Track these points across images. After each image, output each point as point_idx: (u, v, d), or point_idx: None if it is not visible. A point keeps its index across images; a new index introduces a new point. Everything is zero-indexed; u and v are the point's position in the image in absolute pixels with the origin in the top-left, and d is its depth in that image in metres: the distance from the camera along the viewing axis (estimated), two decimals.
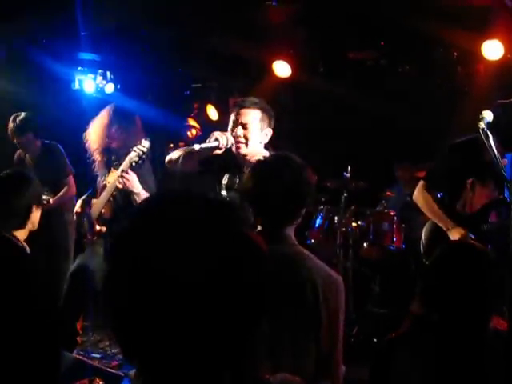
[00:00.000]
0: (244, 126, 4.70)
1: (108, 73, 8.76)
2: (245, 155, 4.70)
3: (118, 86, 8.80)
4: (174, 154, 4.82)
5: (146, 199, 1.44)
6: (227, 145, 4.66)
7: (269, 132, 4.76)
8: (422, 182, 5.28)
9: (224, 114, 9.40)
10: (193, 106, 9.98)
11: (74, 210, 6.18)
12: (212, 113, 9.65)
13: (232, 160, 4.75)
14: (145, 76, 9.01)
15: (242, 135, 4.68)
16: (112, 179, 5.90)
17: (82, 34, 7.19)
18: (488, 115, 4.55)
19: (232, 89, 9.37)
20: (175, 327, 1.23)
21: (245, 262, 1.27)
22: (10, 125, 6.97)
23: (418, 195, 5.27)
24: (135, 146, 5.81)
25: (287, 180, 3.13)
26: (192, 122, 9.86)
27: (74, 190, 7.01)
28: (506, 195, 4.74)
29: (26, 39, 7.52)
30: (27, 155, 7.17)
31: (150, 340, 1.25)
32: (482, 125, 4.53)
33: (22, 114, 6.99)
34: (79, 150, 6.38)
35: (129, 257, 1.26)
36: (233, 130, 4.71)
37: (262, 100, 4.85)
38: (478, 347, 2.67)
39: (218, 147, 4.64)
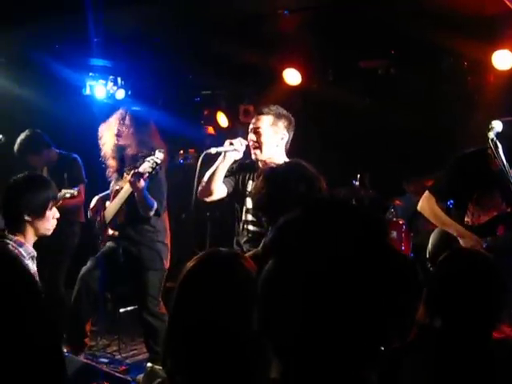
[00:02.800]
0: (256, 132, 4.83)
1: (119, 79, 8.79)
2: (262, 161, 4.79)
3: (129, 92, 8.83)
4: (201, 186, 4.82)
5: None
6: (243, 148, 4.74)
7: (284, 136, 4.84)
8: (427, 193, 5.25)
9: (234, 121, 9.45)
10: (203, 112, 10.00)
11: (91, 207, 6.21)
12: (222, 120, 9.67)
13: (255, 167, 4.83)
14: (155, 82, 9.04)
15: (256, 139, 4.80)
16: (125, 184, 5.93)
17: (94, 40, 7.22)
18: (497, 125, 4.56)
19: (242, 96, 9.39)
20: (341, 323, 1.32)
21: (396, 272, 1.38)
22: (19, 151, 6.93)
23: (424, 205, 5.25)
24: (149, 149, 5.85)
25: (301, 189, 3.18)
26: (211, 130, 9.88)
27: (82, 198, 6.98)
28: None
29: (38, 45, 7.55)
30: (44, 169, 7.12)
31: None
32: (491, 135, 4.54)
33: (26, 135, 6.95)
34: (90, 156, 6.42)
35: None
36: (249, 138, 4.86)
37: (278, 107, 4.94)
38: (482, 355, 2.68)
39: (235, 150, 4.74)
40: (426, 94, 7.98)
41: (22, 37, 7.23)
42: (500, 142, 4.52)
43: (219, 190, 4.86)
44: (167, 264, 6.13)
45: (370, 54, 7.80)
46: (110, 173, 6.16)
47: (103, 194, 6.33)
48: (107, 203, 6.16)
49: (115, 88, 8.75)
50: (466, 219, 5.08)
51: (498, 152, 4.51)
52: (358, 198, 7.15)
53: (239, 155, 4.80)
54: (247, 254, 3.17)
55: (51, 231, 4.20)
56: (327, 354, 1.33)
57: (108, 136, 6.04)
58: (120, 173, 6.10)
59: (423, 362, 2.74)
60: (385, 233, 1.43)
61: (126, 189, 5.83)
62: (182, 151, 9.29)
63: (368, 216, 1.43)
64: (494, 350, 2.72)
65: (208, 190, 4.75)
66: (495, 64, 6.82)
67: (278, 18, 6.97)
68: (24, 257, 3.95)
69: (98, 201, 6.21)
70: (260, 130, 4.82)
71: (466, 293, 2.70)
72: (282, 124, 4.86)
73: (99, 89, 8.68)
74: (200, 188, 4.79)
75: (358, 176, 7.80)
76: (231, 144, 4.76)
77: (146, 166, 5.59)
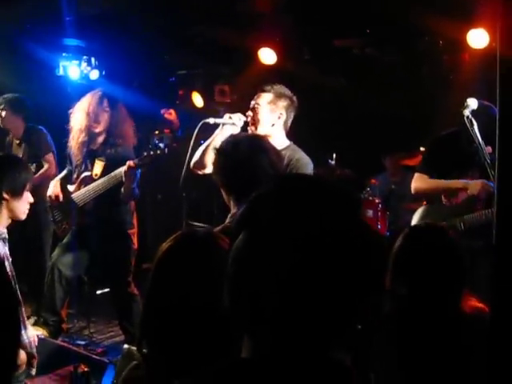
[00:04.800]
0: (253, 108, 4.81)
1: (93, 59, 8.69)
2: None
3: (103, 73, 8.74)
4: (196, 155, 4.72)
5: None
6: (241, 124, 4.71)
7: (282, 115, 4.80)
8: (416, 174, 5.27)
9: (209, 101, 9.40)
10: (178, 92, 9.94)
11: (52, 192, 6.15)
12: (197, 100, 9.61)
13: None
14: (130, 62, 8.95)
15: (253, 115, 4.77)
16: (99, 171, 5.91)
17: (67, 19, 7.14)
18: (472, 103, 4.59)
19: (218, 76, 9.35)
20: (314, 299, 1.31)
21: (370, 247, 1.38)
22: (3, 98, 7.00)
23: (417, 184, 5.24)
24: (118, 136, 5.85)
25: (255, 161, 3.22)
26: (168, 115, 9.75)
27: (54, 168, 6.96)
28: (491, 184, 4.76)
29: (10, 25, 7.45)
30: (14, 138, 7.22)
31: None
32: (466, 112, 4.57)
33: (17, 95, 7.03)
34: (63, 136, 6.36)
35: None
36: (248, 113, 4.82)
37: (283, 86, 4.90)
38: (446, 325, 2.74)
39: (233, 124, 4.68)
40: (402, 73, 7.99)
41: None
42: (475, 119, 4.54)
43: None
44: (136, 244, 6.15)
45: (345, 33, 7.78)
46: (75, 157, 6.10)
47: (59, 176, 6.29)
48: (69, 187, 6.12)
49: (89, 68, 8.66)
50: (443, 199, 5.12)
51: (473, 129, 4.54)
52: (333, 176, 7.16)
53: (237, 130, 4.74)
54: (216, 229, 3.17)
55: (25, 215, 4.21)
56: (300, 331, 1.31)
57: (81, 118, 5.99)
58: (89, 158, 6.05)
59: (389, 333, 2.79)
60: (358, 208, 1.42)
61: (110, 177, 5.79)
62: (157, 132, 9.23)
63: (341, 191, 1.42)
64: (467, 324, 2.77)
65: (202, 163, 4.62)
66: (470, 43, 6.82)
67: None
68: None
69: (58, 186, 6.17)
70: (257, 106, 4.78)
71: (427, 263, 2.83)
72: (281, 103, 4.81)
73: (73, 69, 8.58)
74: (194, 159, 4.68)
75: (334, 155, 7.81)
76: (230, 118, 4.71)
77: (146, 161, 5.62)
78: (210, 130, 4.79)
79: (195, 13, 7.37)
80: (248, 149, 3.32)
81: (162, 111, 9.45)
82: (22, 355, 3.87)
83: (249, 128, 4.78)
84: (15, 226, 4.28)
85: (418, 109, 7.81)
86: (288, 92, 4.89)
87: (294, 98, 4.89)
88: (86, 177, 6.01)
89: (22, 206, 4.15)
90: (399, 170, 8.30)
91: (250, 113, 4.80)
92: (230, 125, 4.68)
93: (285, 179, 1.55)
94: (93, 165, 6.01)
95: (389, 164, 8.50)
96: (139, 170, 5.73)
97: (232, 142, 3.42)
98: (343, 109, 8.45)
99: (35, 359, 3.97)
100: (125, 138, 6.05)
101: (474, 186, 4.86)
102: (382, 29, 7.51)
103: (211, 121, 4.70)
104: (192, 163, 4.69)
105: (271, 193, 1.42)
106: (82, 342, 6.37)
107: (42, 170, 6.90)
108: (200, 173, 4.69)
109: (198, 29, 7.66)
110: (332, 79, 8.30)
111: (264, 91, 4.84)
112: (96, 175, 5.96)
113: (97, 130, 5.97)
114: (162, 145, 5.71)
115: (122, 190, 5.77)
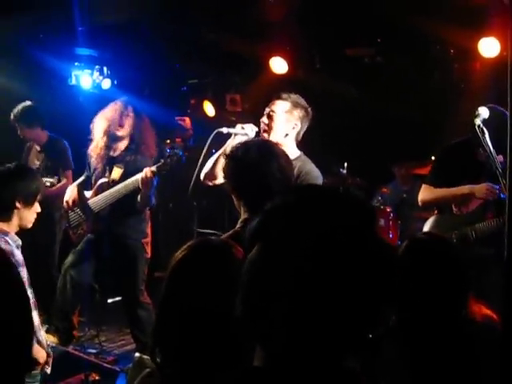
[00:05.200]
0: (269, 115, 4.73)
1: (105, 68, 8.74)
2: None
3: (115, 82, 8.78)
4: (207, 167, 4.66)
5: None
6: (254, 134, 4.64)
7: (296, 126, 4.74)
8: (423, 186, 5.26)
9: (221, 111, 9.42)
10: (189, 101, 9.97)
11: (69, 197, 6.18)
12: (209, 109, 9.64)
13: None
14: (142, 72, 8.99)
15: (267, 123, 4.71)
16: (117, 177, 5.92)
17: (79, 29, 7.18)
18: (484, 112, 4.57)
19: (229, 85, 9.37)
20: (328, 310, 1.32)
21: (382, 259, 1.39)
22: (15, 116, 7.02)
23: (424, 196, 5.22)
24: (140, 145, 5.88)
25: (265, 168, 3.23)
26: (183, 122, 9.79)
27: (70, 185, 7.00)
28: (501, 194, 4.75)
29: (23, 34, 7.50)
30: (35, 145, 7.26)
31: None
32: (477, 121, 4.55)
33: (27, 106, 7.05)
34: (76, 146, 6.39)
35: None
36: (261, 120, 4.76)
37: (299, 96, 4.84)
38: (454, 338, 2.73)
39: (245, 134, 4.60)
40: (413, 82, 7.98)
41: (7, 27, 7.18)
42: (486, 128, 4.52)
43: None
44: (149, 253, 6.16)
45: (356, 41, 7.78)
46: (95, 163, 6.12)
47: (77, 182, 6.32)
48: (86, 193, 6.14)
49: (101, 78, 8.70)
50: (454, 208, 5.10)
51: (484, 138, 4.52)
52: (345, 185, 7.16)
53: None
54: (225, 235, 3.17)
55: (31, 225, 4.28)
56: (312, 340, 1.32)
57: (103, 123, 6.01)
58: (108, 164, 6.07)
59: (397, 341, 2.80)
60: (373, 220, 1.43)
61: (127, 184, 5.80)
62: (168, 141, 9.25)
63: (357, 203, 1.42)
64: (475, 332, 2.77)
65: (213, 173, 4.55)
66: (482, 52, 6.82)
67: (264, 5, 6.95)
68: (11, 245, 3.99)
69: (75, 191, 6.19)
70: (273, 114, 4.71)
71: (427, 274, 2.82)
72: (297, 113, 4.74)
73: (85, 79, 8.63)
74: (205, 170, 4.62)
75: (345, 164, 7.82)
76: (242, 128, 4.68)
77: (161, 164, 5.63)
78: (222, 140, 4.73)
79: (206, 22, 7.39)
80: (257, 154, 3.31)
81: (177, 118, 9.49)
82: (42, 353, 3.90)
83: (261, 135, 4.70)
84: (24, 235, 4.31)
85: (429, 117, 7.80)
86: (304, 102, 4.82)
87: (310, 110, 4.82)
88: (103, 183, 6.03)
89: (31, 215, 4.22)
90: (410, 179, 8.29)
91: (264, 119, 4.73)
92: (242, 135, 4.61)
93: (297, 191, 1.56)
94: (111, 171, 6.03)
95: (398, 173, 8.49)
96: (156, 178, 5.74)
97: (242, 147, 3.42)
98: (354, 118, 8.44)
99: (51, 358, 3.99)
100: (146, 146, 6.06)
101: (480, 189, 4.84)
102: (393, 38, 7.51)
103: (224, 130, 4.65)
104: (202, 174, 4.64)
105: (284, 205, 1.43)
106: (93, 351, 6.38)
107: (59, 184, 6.91)
108: (211, 184, 4.62)
109: (209, 38, 7.68)
110: (343, 88, 8.30)
111: (280, 99, 4.77)
112: (113, 181, 5.97)
113: (119, 134, 5.98)
114: (179, 151, 5.70)
115: (139, 197, 5.77)
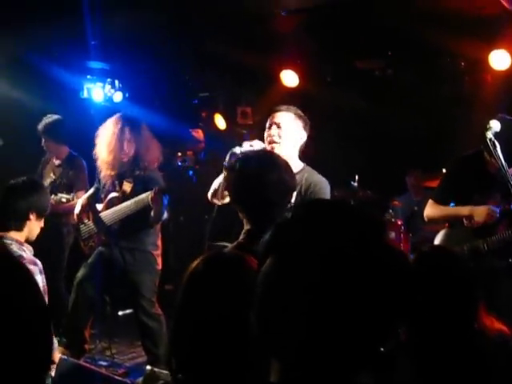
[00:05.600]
0: (278, 125, 4.66)
1: (116, 81, 8.79)
2: None
3: (127, 95, 8.83)
4: (214, 185, 4.66)
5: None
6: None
7: (303, 136, 4.73)
8: (430, 201, 5.24)
9: (232, 124, 9.45)
10: (201, 114, 10.00)
11: (79, 210, 6.21)
12: (220, 122, 9.66)
13: None
14: (153, 85, 9.04)
15: (276, 134, 4.65)
16: (128, 190, 5.95)
17: (92, 42, 7.22)
18: (495, 125, 4.56)
19: (240, 98, 9.40)
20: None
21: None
22: (44, 128, 7.07)
23: (429, 212, 5.21)
24: (145, 156, 5.90)
25: (270, 178, 3.20)
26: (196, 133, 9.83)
27: None
28: None
29: (36, 48, 7.55)
30: (53, 158, 7.26)
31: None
32: (489, 134, 4.53)
33: (57, 120, 7.11)
34: (87, 158, 6.41)
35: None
36: (268, 133, 4.70)
37: (296, 108, 4.81)
38: (466, 352, 2.72)
39: None
40: (424, 95, 7.98)
41: (19, 40, 7.23)
42: (498, 141, 4.51)
43: None
44: (160, 265, 6.16)
45: (367, 54, 7.79)
46: (105, 179, 6.14)
47: (87, 194, 6.35)
48: (97, 206, 6.17)
49: (113, 91, 8.76)
50: (465, 221, 5.06)
51: (496, 151, 4.50)
52: (356, 198, 7.15)
53: None
54: (230, 246, 3.16)
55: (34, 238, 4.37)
56: (327, 355, 1.32)
57: (105, 151, 6.02)
58: (118, 179, 6.09)
59: (408, 356, 2.78)
60: (383, 232, 1.43)
61: (137, 201, 5.81)
62: (179, 153, 9.28)
63: (367, 216, 1.43)
64: (488, 347, 2.75)
65: (222, 193, 4.53)
66: (492, 64, 6.82)
67: (275, 18, 6.97)
68: (29, 253, 4.15)
69: (85, 205, 6.22)
70: (282, 124, 4.64)
71: (434, 287, 2.80)
72: (301, 123, 4.72)
73: (97, 92, 8.68)
74: (212, 190, 4.63)
75: (356, 177, 7.81)
76: (251, 146, 4.63)
77: (173, 187, 5.67)
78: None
79: (217, 35, 7.42)
80: (257, 165, 3.27)
81: (190, 130, 9.53)
82: (57, 354, 3.97)
83: (269, 147, 4.61)
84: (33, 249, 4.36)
85: (440, 130, 7.79)
86: (303, 114, 4.79)
87: (308, 120, 4.79)
88: (113, 198, 6.04)
89: (38, 228, 4.34)
90: (421, 190, 8.27)
91: (273, 131, 4.65)
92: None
93: (308, 205, 1.57)
94: (121, 186, 6.05)
95: (409, 182, 8.49)
96: (167, 197, 5.75)
97: (241, 159, 3.41)
98: (365, 130, 8.45)
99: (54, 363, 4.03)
100: (152, 159, 6.08)
101: (480, 212, 4.82)
102: (404, 50, 7.52)
103: (237, 150, 4.55)
104: (210, 193, 4.64)
105: (296, 218, 1.44)
106: (104, 363, 6.37)
107: (73, 202, 6.91)
108: (219, 203, 4.61)
109: (220, 51, 7.71)
110: (354, 101, 8.30)
111: (282, 110, 4.72)
112: (124, 193, 5.99)
113: (125, 160, 6.02)
114: (189, 170, 5.70)
115: (152, 213, 5.77)
